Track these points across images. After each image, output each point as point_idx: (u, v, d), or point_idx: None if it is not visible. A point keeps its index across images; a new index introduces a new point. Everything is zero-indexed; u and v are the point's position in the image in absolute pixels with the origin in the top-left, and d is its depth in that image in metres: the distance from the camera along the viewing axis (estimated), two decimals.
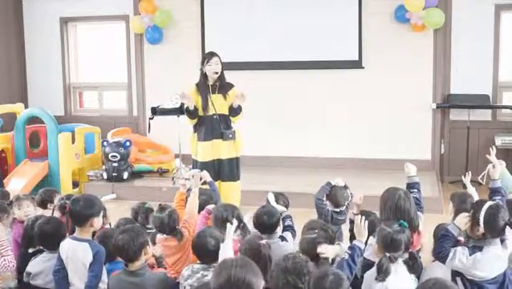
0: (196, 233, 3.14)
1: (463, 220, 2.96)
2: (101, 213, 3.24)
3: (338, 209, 3.90)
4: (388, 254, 2.82)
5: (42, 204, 4.11)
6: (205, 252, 3.02)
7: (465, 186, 3.96)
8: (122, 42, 8.43)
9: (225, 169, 5.11)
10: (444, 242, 2.93)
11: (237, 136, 5.17)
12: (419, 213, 3.30)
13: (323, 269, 2.59)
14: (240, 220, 3.47)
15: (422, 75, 7.31)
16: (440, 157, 7.42)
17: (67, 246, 3.16)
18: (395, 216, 3.10)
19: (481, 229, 2.89)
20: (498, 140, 6.93)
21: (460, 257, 2.86)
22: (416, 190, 3.50)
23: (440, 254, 2.91)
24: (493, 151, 3.98)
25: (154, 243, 3.53)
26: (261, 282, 2.23)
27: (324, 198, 3.89)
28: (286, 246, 3.47)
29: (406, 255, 2.89)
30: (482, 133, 7.23)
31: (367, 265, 3.09)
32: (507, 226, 2.88)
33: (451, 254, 2.88)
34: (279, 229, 3.56)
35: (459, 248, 2.90)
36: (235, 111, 5.12)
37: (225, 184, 5.14)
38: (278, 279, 2.58)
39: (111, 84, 8.81)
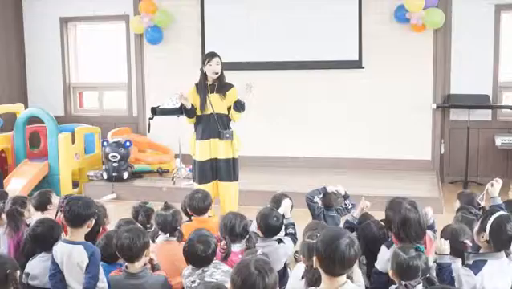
0: (186, 240, 3.13)
1: (443, 246, 2.91)
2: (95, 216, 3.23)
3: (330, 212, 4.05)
4: (404, 283, 2.68)
5: (41, 206, 4.07)
6: (195, 258, 3.03)
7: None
8: (122, 42, 8.43)
9: (222, 169, 5.10)
10: (444, 273, 2.86)
11: (234, 136, 5.16)
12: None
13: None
14: (246, 230, 3.47)
15: (422, 75, 7.31)
16: (440, 157, 7.41)
17: (61, 249, 3.13)
18: (404, 231, 3.02)
19: (486, 236, 2.83)
20: (498, 140, 6.92)
21: (466, 279, 2.80)
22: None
23: (445, 286, 2.80)
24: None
25: (154, 242, 3.53)
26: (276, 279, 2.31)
27: (315, 198, 3.99)
28: (283, 247, 3.50)
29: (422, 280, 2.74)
30: (482, 133, 7.23)
31: (375, 273, 3.09)
32: None
33: (456, 283, 2.82)
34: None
35: (461, 271, 2.83)
36: (237, 107, 5.02)
37: (222, 184, 5.14)
38: None
39: (111, 84, 8.81)
